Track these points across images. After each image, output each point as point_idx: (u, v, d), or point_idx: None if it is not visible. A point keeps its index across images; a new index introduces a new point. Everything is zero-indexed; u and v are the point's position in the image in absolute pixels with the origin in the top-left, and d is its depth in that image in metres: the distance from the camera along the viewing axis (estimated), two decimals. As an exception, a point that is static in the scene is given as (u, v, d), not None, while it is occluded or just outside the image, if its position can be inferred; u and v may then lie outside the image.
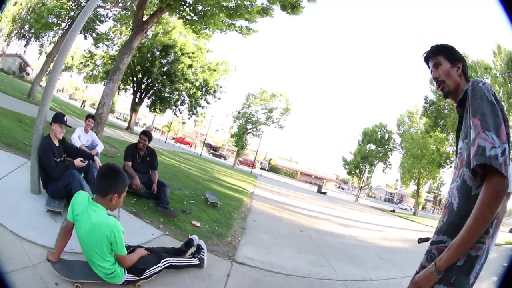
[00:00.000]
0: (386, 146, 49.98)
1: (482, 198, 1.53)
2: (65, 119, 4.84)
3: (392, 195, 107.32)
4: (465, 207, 1.68)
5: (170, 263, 3.57)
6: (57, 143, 4.84)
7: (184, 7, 13.23)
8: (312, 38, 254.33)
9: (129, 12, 25.57)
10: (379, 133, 50.64)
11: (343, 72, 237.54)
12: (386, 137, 50.24)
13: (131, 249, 3.30)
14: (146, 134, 6.98)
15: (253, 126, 45.30)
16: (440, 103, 34.45)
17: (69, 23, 25.61)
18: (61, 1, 25.30)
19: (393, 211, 38.97)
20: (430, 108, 35.76)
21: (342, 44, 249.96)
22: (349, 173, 53.71)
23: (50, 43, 40.51)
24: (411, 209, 54.51)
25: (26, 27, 54.21)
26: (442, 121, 35.47)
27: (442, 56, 2.05)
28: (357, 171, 51.61)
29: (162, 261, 3.47)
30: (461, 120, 1.92)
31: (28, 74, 74.75)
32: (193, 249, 4.31)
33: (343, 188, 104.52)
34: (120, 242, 2.87)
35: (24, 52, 60.40)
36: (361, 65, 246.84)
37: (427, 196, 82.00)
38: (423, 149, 38.95)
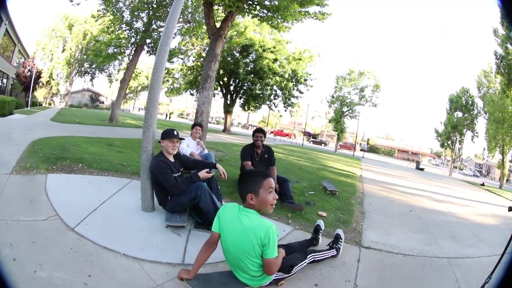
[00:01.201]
0: (471, 112, 46.49)
1: None
2: (175, 133, 4.83)
3: (481, 166, 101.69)
4: None
5: (314, 258, 3.78)
6: (172, 159, 4.85)
7: (253, 6, 13.47)
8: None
9: (193, 24, 26.43)
10: (463, 98, 47.25)
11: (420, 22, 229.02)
12: (470, 102, 46.74)
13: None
14: (262, 131, 7.25)
15: (349, 108, 44.91)
16: (509, 57, 30.06)
17: (134, 48, 26.95)
18: (116, 33, 26.60)
19: (483, 184, 37.10)
20: (502, 63, 31.20)
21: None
22: (442, 145, 51.06)
23: (118, 71, 42.98)
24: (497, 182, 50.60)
25: (86, 65, 58.12)
26: None
27: None
28: (449, 142, 49.02)
29: (307, 257, 3.67)
30: None
31: (102, 103, 79.41)
32: (317, 235, 4.58)
33: (437, 165, 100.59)
34: (273, 245, 2.85)
35: (92, 85, 65.02)
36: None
37: (510, 166, 76.45)
38: (503, 111, 33.80)
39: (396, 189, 12.95)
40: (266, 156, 7.13)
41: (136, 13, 25.29)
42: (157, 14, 24.85)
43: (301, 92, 42.45)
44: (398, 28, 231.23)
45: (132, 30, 26.27)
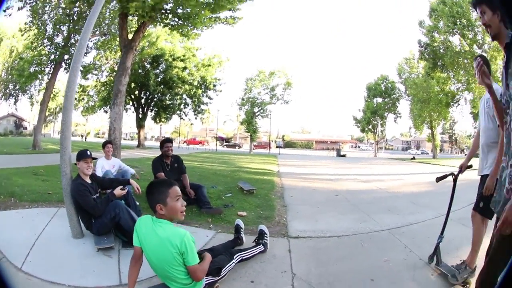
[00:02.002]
0: (392, 97, 50.04)
1: None
2: (88, 153, 4.77)
3: (409, 143, 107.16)
4: None
5: (241, 257, 3.76)
6: (89, 180, 4.76)
7: (166, 14, 13.35)
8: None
9: (109, 36, 25.63)
10: (382, 85, 50.74)
11: (331, 20, 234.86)
12: (390, 88, 50.27)
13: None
14: (170, 141, 7.22)
15: (260, 108, 45.29)
16: (434, 44, 34.33)
17: (53, 65, 25.50)
18: (38, 50, 25.19)
19: (413, 158, 39.23)
20: (426, 50, 35.62)
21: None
22: (362, 130, 54.56)
23: (38, 92, 40.71)
24: (431, 153, 54.66)
25: (11, 86, 54.49)
26: (440, 61, 34.94)
27: (485, 4, 2.28)
28: (370, 127, 52.10)
29: (234, 257, 3.64)
30: (507, 59, 2.12)
31: (25, 128, 75.10)
32: (238, 233, 4.54)
33: (359, 147, 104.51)
34: (191, 252, 2.83)
35: (16, 109, 60.76)
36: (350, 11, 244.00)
37: (442, 137, 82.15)
38: (428, 91, 38.77)
39: (317, 178, 13.33)
40: (176, 165, 7.08)
41: (58, 26, 23.90)
42: (77, 27, 23.64)
43: (210, 98, 42.69)
44: (313, 22, 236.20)
45: (53, 46, 24.64)
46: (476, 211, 3.59)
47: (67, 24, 23.76)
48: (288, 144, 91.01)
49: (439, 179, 4.06)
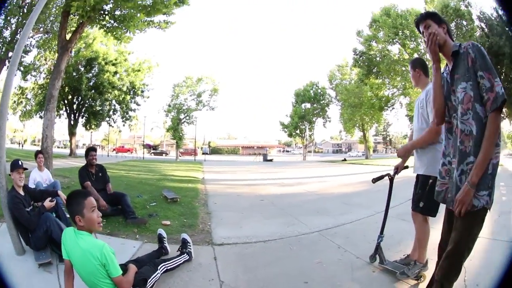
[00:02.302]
0: (321, 102, 51.64)
1: (494, 124, 2.19)
2: (20, 163, 4.57)
3: (340, 146, 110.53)
4: (481, 132, 2.24)
5: (166, 268, 3.66)
6: (22, 192, 4.55)
7: (104, 15, 13.00)
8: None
9: (51, 35, 24.09)
10: (311, 91, 52.17)
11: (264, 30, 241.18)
12: (319, 93, 51.84)
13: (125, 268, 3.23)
14: (94, 150, 7.01)
15: (186, 114, 44.73)
16: (370, 52, 36.38)
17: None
18: None
19: (345, 159, 40.40)
20: (361, 58, 37.25)
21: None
22: (290, 135, 55.85)
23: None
24: (363, 154, 56.84)
25: None
26: (375, 68, 36.96)
27: (430, 19, 2.61)
28: (298, 131, 53.39)
29: (159, 267, 3.54)
30: (453, 66, 2.48)
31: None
32: (161, 241, 4.47)
33: (288, 151, 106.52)
34: (112, 263, 2.77)
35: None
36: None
37: (375, 139, 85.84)
38: (361, 97, 40.95)
39: (242, 183, 13.37)
40: (100, 174, 6.90)
41: (8, 18, 22.25)
42: (24, 21, 22.20)
43: (138, 104, 41.70)
44: (243, 28, 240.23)
45: (0, 40, 23.23)
46: (417, 211, 3.66)
47: (17, 17, 22.10)
48: (215, 151, 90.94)
49: (375, 180, 4.11)
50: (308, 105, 52.40)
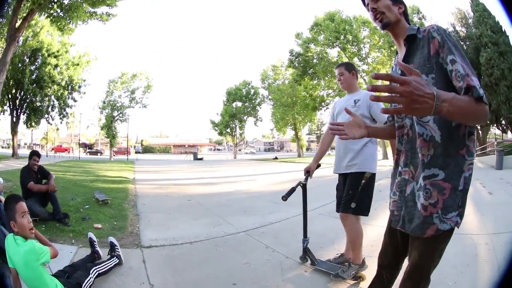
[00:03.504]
0: (253, 101, 52.26)
1: (480, 108, 1.56)
2: None
3: (272, 144, 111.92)
4: (448, 137, 1.78)
5: (97, 272, 3.63)
6: None
7: (53, 3, 12.65)
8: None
9: (4, 20, 22.70)
10: (244, 90, 52.56)
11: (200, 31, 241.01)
12: (252, 93, 52.45)
13: (67, 275, 3.25)
14: (37, 154, 6.70)
15: (119, 112, 43.18)
16: (307, 54, 37.48)
17: None
18: None
19: (276, 158, 40.97)
20: (297, 59, 38.49)
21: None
22: (220, 133, 55.82)
23: None
24: (295, 153, 57.87)
25: None
26: (311, 69, 38.30)
27: None
28: (228, 130, 53.66)
29: (90, 272, 3.51)
30: (406, 54, 1.98)
31: None
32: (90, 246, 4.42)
33: (219, 150, 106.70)
34: (44, 253, 2.78)
35: None
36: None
37: (308, 138, 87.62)
38: (294, 96, 42.01)
39: (171, 183, 13.39)
40: (39, 176, 6.58)
41: None
42: None
43: (75, 101, 39.53)
44: (179, 26, 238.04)
45: None
46: (348, 212, 3.57)
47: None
48: (147, 149, 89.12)
49: (286, 197, 3.92)
50: (239, 104, 52.86)
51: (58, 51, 34.41)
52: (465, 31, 32.21)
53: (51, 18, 13.30)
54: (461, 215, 1.82)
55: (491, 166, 17.80)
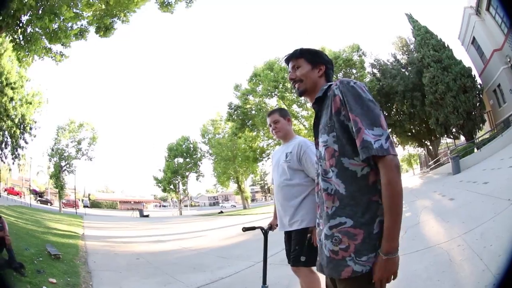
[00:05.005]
0: (193, 156, 52.42)
1: (388, 175, 1.61)
2: None
3: (216, 198, 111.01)
4: (355, 188, 1.74)
5: None
6: None
7: (18, 27, 12.41)
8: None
9: None
10: (184, 145, 52.63)
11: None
12: (192, 148, 52.67)
13: None
14: None
15: (67, 162, 41.91)
16: (246, 106, 37.82)
17: None
18: None
19: (221, 212, 40.84)
20: (235, 112, 38.45)
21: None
22: (164, 190, 55.49)
23: None
24: (240, 205, 57.68)
25: None
26: (250, 121, 38.24)
27: (303, 58, 2.09)
28: (172, 186, 53.19)
29: None
30: (317, 115, 2.00)
31: None
32: None
33: (164, 206, 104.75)
34: None
35: None
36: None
37: (252, 188, 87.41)
38: (234, 149, 42.43)
39: (119, 241, 13.35)
40: None
41: None
42: None
43: (26, 142, 37.54)
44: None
45: None
46: (299, 266, 3.29)
47: None
48: (95, 204, 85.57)
49: (246, 229, 3.83)
50: (181, 160, 52.89)
51: (15, 83, 32.77)
52: (406, 58, 34.41)
53: (14, 44, 13.15)
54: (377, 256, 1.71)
55: (448, 173, 18.78)
